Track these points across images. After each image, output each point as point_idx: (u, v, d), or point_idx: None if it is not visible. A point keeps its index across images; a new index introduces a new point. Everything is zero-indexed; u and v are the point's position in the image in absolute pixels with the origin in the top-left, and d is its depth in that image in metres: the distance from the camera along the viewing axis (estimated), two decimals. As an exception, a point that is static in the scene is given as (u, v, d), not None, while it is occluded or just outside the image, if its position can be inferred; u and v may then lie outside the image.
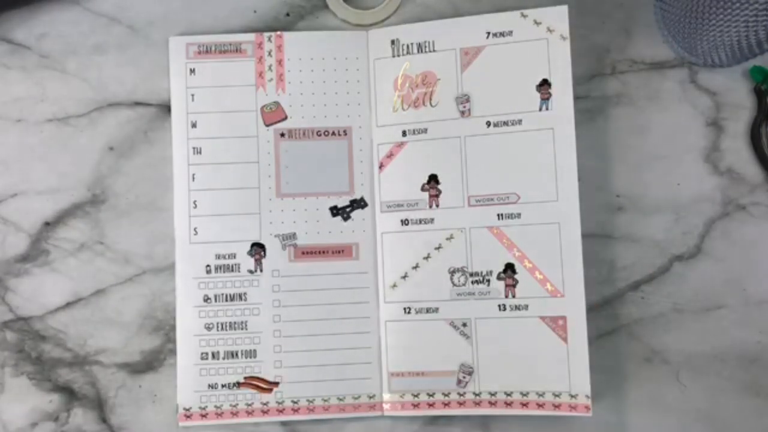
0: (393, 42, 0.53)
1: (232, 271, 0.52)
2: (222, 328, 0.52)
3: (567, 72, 0.50)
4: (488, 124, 0.51)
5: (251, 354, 0.52)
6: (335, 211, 0.53)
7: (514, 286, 0.51)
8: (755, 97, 0.53)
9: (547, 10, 0.51)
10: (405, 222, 0.52)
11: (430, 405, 0.51)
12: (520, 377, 0.50)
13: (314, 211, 0.53)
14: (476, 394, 0.50)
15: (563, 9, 0.51)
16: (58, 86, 0.54)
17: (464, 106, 0.52)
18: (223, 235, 0.52)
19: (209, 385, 0.51)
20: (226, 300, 0.52)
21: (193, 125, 0.53)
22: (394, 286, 0.52)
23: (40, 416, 0.52)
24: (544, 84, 0.51)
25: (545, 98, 0.51)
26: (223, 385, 0.51)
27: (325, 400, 0.51)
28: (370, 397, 0.51)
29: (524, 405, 0.50)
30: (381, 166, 0.53)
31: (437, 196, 0.52)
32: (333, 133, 0.53)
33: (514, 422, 0.51)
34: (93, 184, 0.53)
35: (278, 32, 0.53)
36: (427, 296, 0.51)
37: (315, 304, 0.52)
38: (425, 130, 0.52)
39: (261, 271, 0.52)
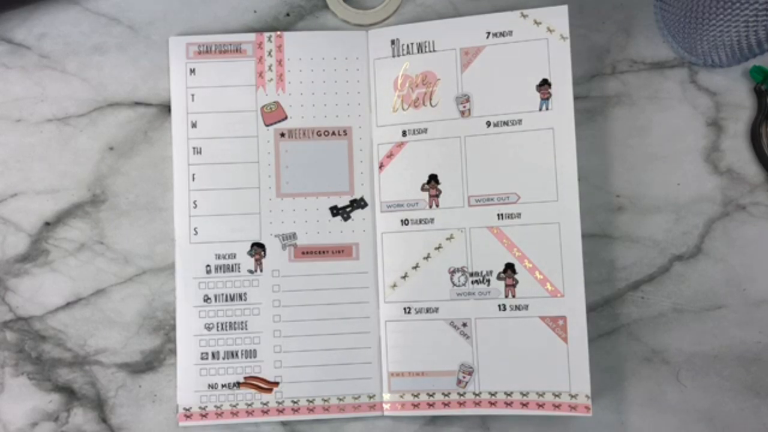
0: (393, 42, 0.53)
1: (232, 271, 0.52)
2: (222, 328, 0.52)
3: (567, 72, 0.50)
4: (488, 124, 0.51)
5: (251, 354, 0.52)
6: (335, 211, 0.53)
7: (514, 286, 0.51)
8: (755, 97, 0.53)
9: (547, 10, 0.51)
10: (405, 222, 0.52)
11: (430, 405, 0.51)
12: (520, 377, 0.50)
13: (314, 211, 0.53)
14: (476, 394, 0.50)
15: (563, 9, 0.51)
16: (58, 86, 0.54)
17: (464, 106, 0.52)
18: (223, 235, 0.52)
19: (209, 385, 0.51)
20: (226, 300, 0.52)
21: (193, 125, 0.53)
22: (394, 286, 0.52)
23: (40, 416, 0.52)
24: (544, 84, 0.51)
25: (545, 98, 0.51)
26: (223, 385, 0.51)
27: (325, 400, 0.51)
28: (370, 397, 0.51)
29: (524, 405, 0.50)
30: (381, 166, 0.53)
31: (437, 196, 0.52)
32: (333, 133, 0.53)
33: (514, 422, 0.51)
34: (93, 184, 0.53)
35: (278, 32, 0.53)
36: (427, 296, 0.51)
37: (315, 304, 0.52)
38: (425, 130, 0.52)
39: (261, 271, 0.52)
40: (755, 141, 0.52)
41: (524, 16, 0.51)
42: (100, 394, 0.52)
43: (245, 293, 0.52)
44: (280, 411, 0.51)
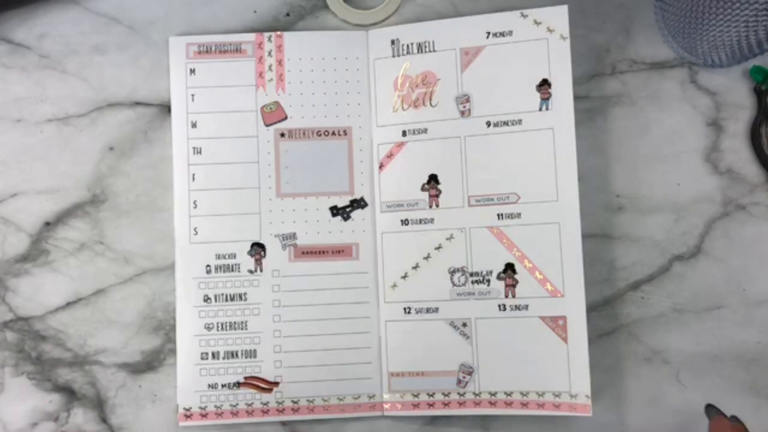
0: (393, 42, 0.53)
1: (232, 271, 0.52)
2: (222, 328, 0.52)
3: (567, 72, 0.50)
4: (488, 124, 0.51)
5: (251, 354, 0.52)
6: (335, 211, 0.53)
7: (514, 286, 0.51)
8: (755, 97, 0.53)
9: (547, 10, 0.51)
10: (405, 222, 0.52)
11: (430, 405, 0.51)
12: (520, 377, 0.50)
13: (314, 211, 0.53)
14: (476, 394, 0.50)
15: (563, 9, 0.51)
16: (58, 86, 0.54)
17: (464, 106, 0.52)
18: (223, 235, 0.52)
19: (209, 385, 0.51)
20: (226, 300, 0.52)
21: (193, 125, 0.53)
22: (394, 286, 0.52)
23: (40, 416, 0.52)
24: (544, 84, 0.51)
25: (545, 98, 0.51)
26: (223, 385, 0.51)
27: (325, 400, 0.51)
28: (370, 397, 0.51)
29: (524, 405, 0.50)
30: (381, 166, 0.53)
31: (437, 196, 0.52)
32: (333, 133, 0.53)
33: (514, 422, 0.51)
34: (93, 184, 0.53)
35: (278, 32, 0.53)
36: (427, 296, 0.51)
37: (315, 304, 0.52)
38: (425, 130, 0.52)
39: (261, 271, 0.52)
40: (755, 141, 0.52)
41: (524, 16, 0.51)
42: (100, 394, 0.52)
43: (245, 293, 0.52)
44: (280, 411, 0.51)
